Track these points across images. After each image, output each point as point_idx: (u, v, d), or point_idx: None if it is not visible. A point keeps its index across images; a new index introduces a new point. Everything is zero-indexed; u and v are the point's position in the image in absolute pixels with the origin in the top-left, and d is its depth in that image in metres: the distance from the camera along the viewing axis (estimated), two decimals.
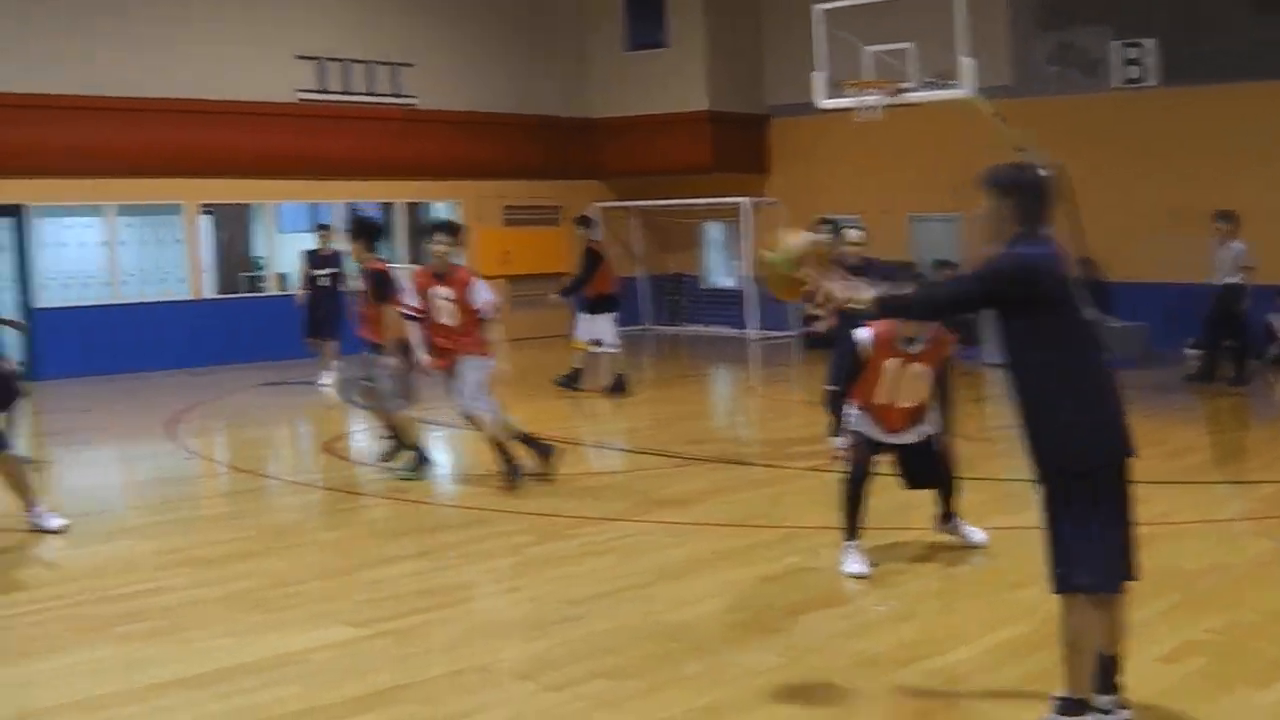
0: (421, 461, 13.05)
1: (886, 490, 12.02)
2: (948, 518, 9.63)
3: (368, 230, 13.41)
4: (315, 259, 20.25)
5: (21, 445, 14.51)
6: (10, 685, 7.16)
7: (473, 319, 12.22)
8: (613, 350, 18.47)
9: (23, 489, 10.90)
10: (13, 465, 10.89)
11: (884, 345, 8.92)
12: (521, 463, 12.27)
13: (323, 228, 21.09)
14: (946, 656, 7.29)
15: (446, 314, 12.20)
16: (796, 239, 6.85)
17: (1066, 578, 5.79)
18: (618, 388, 18.48)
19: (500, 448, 12.23)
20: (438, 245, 12.42)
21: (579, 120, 28.52)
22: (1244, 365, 18.42)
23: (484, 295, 12.28)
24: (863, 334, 8.97)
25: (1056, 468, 5.78)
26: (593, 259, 18.37)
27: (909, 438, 9.21)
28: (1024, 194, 6.01)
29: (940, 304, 6.39)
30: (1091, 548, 5.72)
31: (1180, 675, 6.93)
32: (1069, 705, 5.93)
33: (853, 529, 9.08)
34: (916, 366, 8.93)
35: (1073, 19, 23.29)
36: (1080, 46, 23.22)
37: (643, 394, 19.62)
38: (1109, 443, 5.78)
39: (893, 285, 6.23)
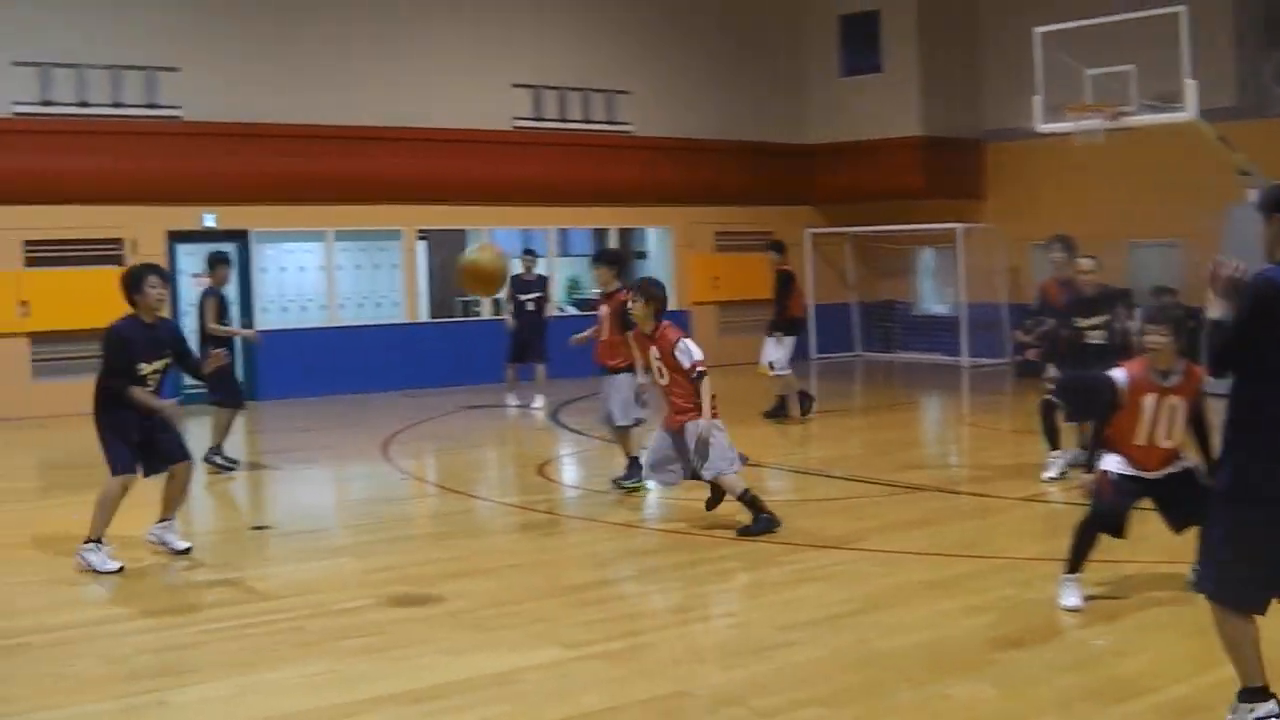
0: (637, 469, 13.08)
1: None
2: None
3: (613, 259, 13.79)
4: (520, 284, 20.47)
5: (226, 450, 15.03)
6: (227, 697, 7.31)
7: (685, 379, 11.35)
8: (783, 374, 18.35)
9: (170, 502, 10.85)
10: (184, 477, 10.82)
11: (1140, 383, 8.54)
12: (772, 514, 11.39)
13: (528, 253, 21.29)
14: (1164, 693, 7.08)
15: (659, 374, 11.62)
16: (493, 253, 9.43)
17: (1199, 581, 6.27)
18: (779, 412, 18.47)
19: (750, 503, 11.39)
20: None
21: (791, 146, 28.43)
22: None
23: (692, 354, 11.37)
24: (1118, 374, 8.62)
25: (1227, 489, 5.93)
26: (786, 282, 18.31)
27: (1171, 469, 8.79)
28: None
29: (1222, 352, 6.00)
30: (1229, 565, 5.94)
31: None
32: (1245, 694, 6.18)
33: (1077, 564, 8.79)
34: (1173, 399, 8.55)
35: None
36: None
37: (854, 421, 19.52)
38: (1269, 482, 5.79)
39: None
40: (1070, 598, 8.70)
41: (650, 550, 11.16)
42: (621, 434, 13.51)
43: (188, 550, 10.87)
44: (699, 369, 11.26)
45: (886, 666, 7.60)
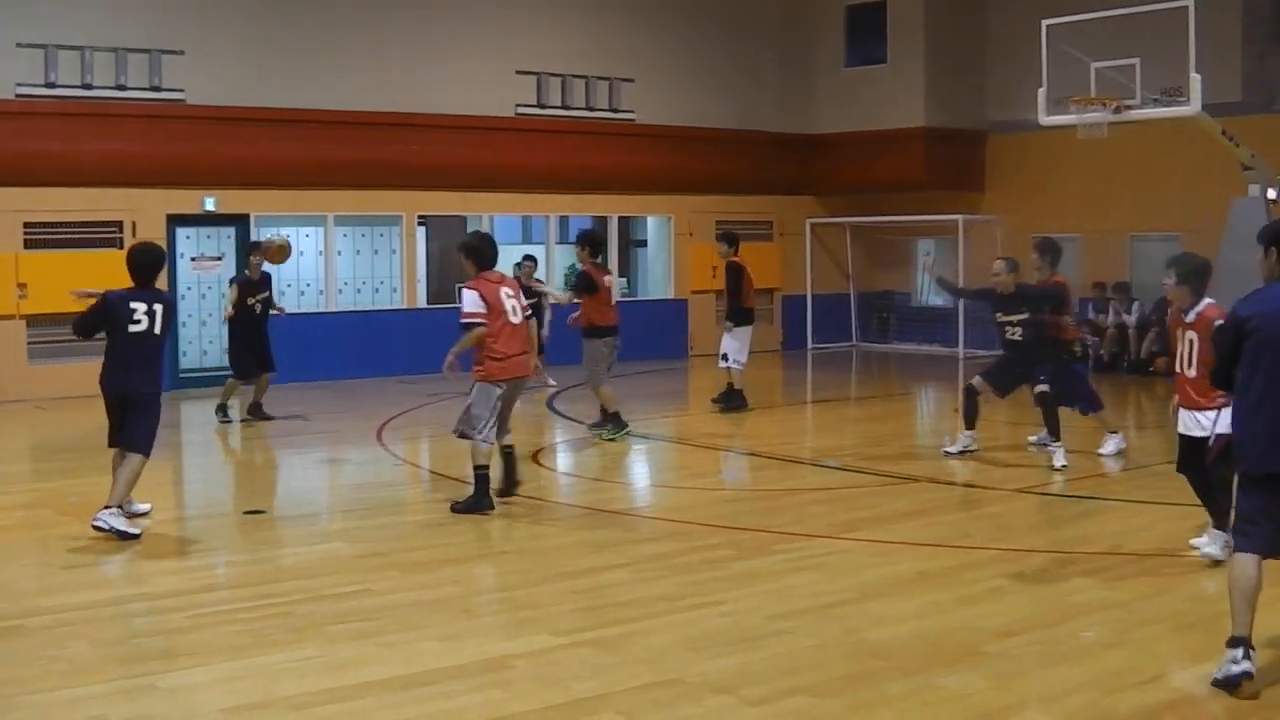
0: (620, 425, 15.82)
1: (1106, 512, 11.80)
2: None
3: (582, 240, 16.20)
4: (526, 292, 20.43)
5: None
6: (218, 681, 7.32)
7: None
8: (737, 367, 18.40)
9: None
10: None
11: (1173, 319, 9.86)
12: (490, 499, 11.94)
13: (529, 259, 21.04)
14: (1152, 686, 7.12)
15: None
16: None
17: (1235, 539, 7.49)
18: (731, 401, 18.57)
19: (479, 478, 11.92)
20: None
21: (794, 136, 28.41)
22: None
23: (462, 307, 11.90)
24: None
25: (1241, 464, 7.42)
26: (737, 275, 18.40)
27: None
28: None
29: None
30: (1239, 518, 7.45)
31: None
32: (1231, 641, 7.05)
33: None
34: (1190, 333, 9.54)
35: None
36: None
37: (849, 412, 19.52)
38: (1264, 463, 7.24)
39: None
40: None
41: (642, 538, 11.15)
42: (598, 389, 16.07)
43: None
44: (461, 320, 11.83)
45: (877, 656, 7.61)
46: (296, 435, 17.13)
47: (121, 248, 20.83)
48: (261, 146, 21.93)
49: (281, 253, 17.97)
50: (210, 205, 21.82)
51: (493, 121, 24.30)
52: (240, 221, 22.28)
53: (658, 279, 27.91)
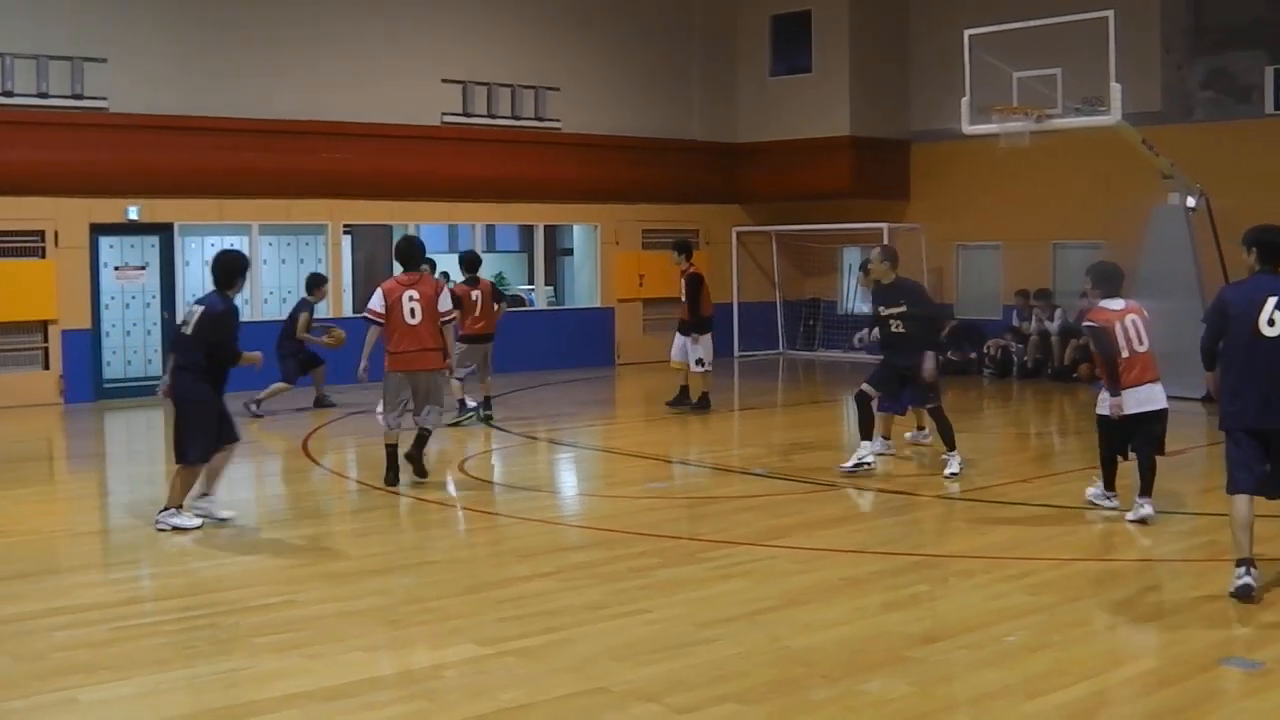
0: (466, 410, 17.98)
1: (1029, 518, 11.90)
2: None
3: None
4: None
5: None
6: (139, 694, 7.26)
7: None
8: (708, 371, 19.15)
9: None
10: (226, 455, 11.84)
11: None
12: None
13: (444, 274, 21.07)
14: (1075, 689, 7.16)
15: None
16: None
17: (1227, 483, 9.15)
18: (704, 404, 19.27)
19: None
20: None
21: (720, 145, 28.50)
22: None
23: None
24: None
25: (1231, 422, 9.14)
26: (699, 284, 18.85)
27: None
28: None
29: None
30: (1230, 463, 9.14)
31: None
32: (1237, 562, 8.89)
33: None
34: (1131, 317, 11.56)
35: (1227, 45, 22.87)
36: (1233, 72, 22.79)
37: (775, 419, 19.60)
38: (1248, 417, 9.05)
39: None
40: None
41: (568, 546, 11.16)
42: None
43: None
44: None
45: (803, 663, 7.65)
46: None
47: (44, 257, 20.73)
48: (185, 155, 21.74)
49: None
50: (134, 214, 21.63)
51: (419, 130, 24.22)
52: (164, 231, 22.10)
53: (584, 287, 27.91)
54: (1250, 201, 21.28)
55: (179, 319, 11.39)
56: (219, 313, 11.46)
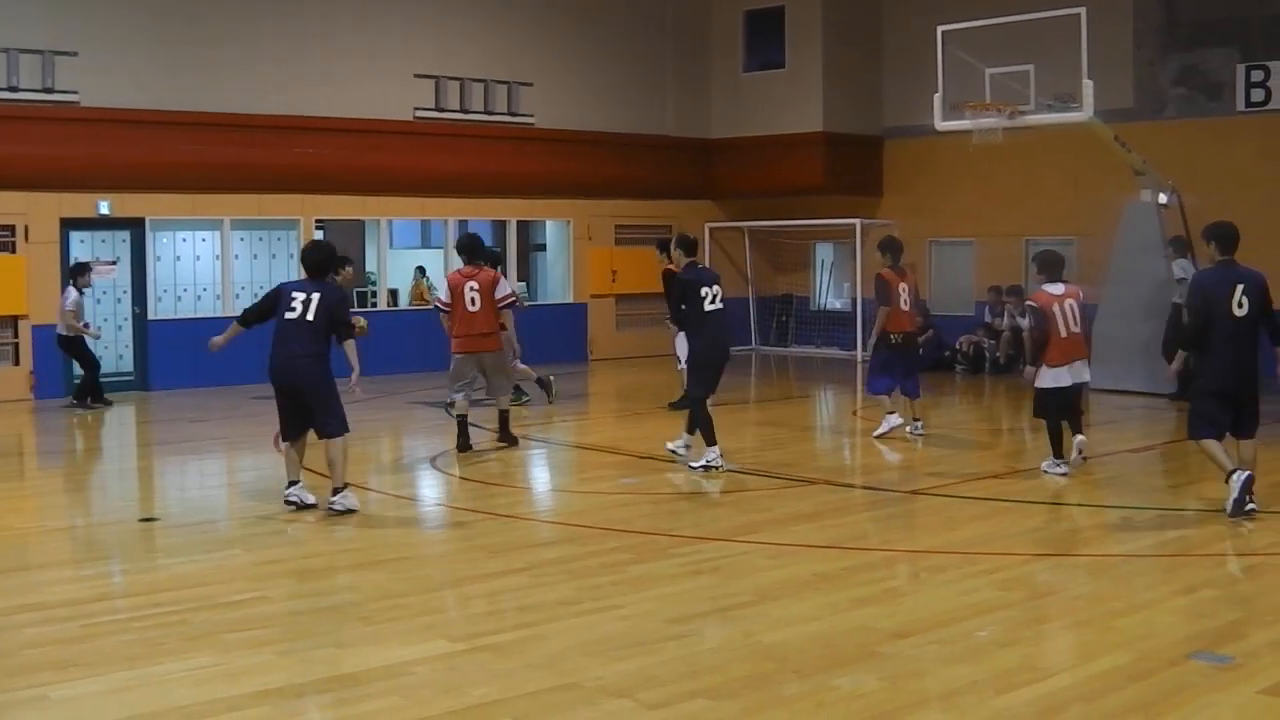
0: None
1: (999, 514, 11.93)
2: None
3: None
4: None
5: None
6: (112, 691, 7.22)
7: None
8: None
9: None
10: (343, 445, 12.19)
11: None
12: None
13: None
14: (1045, 684, 7.18)
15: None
16: None
17: (1189, 431, 11.37)
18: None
19: None
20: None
21: (693, 140, 28.51)
22: None
23: None
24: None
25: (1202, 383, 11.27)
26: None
27: None
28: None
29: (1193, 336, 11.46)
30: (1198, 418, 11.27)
31: None
32: (1227, 476, 11.05)
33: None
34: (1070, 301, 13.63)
35: (1198, 42, 22.95)
36: (1205, 69, 22.87)
37: (747, 415, 19.61)
38: (1219, 382, 11.12)
39: None
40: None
41: (540, 542, 11.16)
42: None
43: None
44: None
45: (774, 658, 7.65)
46: (190, 441, 16.96)
47: (14, 251, 20.63)
48: (157, 149, 21.65)
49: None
50: (105, 209, 21.54)
51: (391, 125, 24.18)
52: (135, 225, 22.01)
53: (557, 283, 27.89)
54: (1222, 198, 21.38)
55: (284, 308, 11.98)
56: (343, 296, 12.62)
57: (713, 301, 13.96)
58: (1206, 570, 9.76)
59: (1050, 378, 13.22)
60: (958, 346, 24.54)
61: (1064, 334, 13.17)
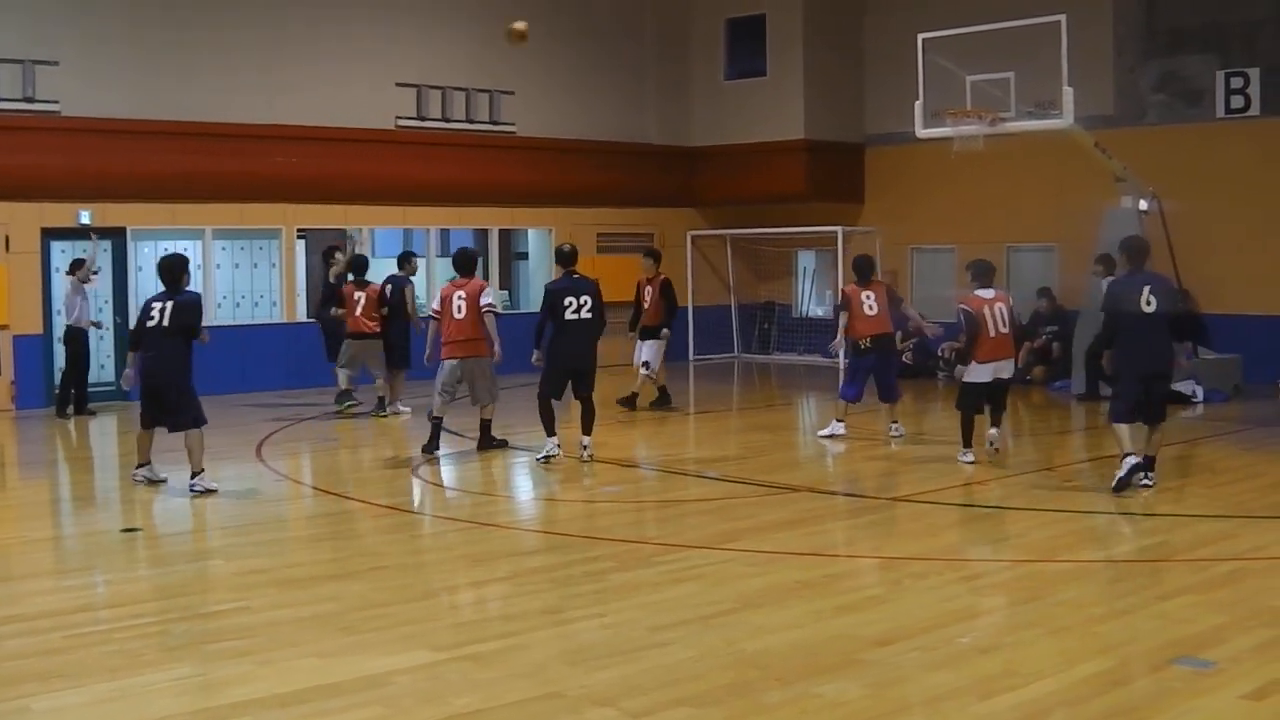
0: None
1: (981, 520, 11.94)
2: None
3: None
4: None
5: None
6: (94, 703, 7.21)
7: None
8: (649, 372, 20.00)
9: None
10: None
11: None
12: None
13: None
14: (1028, 690, 7.19)
15: None
16: None
17: (1109, 415, 12.99)
18: (663, 403, 20.30)
19: None
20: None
21: (675, 148, 28.51)
22: None
23: None
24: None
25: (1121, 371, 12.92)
26: (671, 289, 20.06)
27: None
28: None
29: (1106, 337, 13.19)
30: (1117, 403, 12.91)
31: (1268, 714, 6.80)
32: (1123, 456, 12.52)
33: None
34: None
35: (1178, 49, 23.01)
36: (1185, 76, 22.93)
37: (729, 422, 19.65)
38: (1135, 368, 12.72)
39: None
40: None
41: (522, 551, 11.16)
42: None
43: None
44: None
45: (757, 666, 7.66)
46: (172, 451, 16.88)
47: None
48: (138, 159, 21.60)
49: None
50: (86, 219, 21.46)
51: (373, 134, 24.15)
52: (116, 235, 21.95)
53: (539, 291, 27.72)
54: (1202, 204, 21.57)
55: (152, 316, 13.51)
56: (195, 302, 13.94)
57: (575, 311, 15.18)
58: (1188, 575, 9.79)
59: (976, 373, 14.47)
60: (940, 353, 24.54)
61: (993, 334, 14.39)
